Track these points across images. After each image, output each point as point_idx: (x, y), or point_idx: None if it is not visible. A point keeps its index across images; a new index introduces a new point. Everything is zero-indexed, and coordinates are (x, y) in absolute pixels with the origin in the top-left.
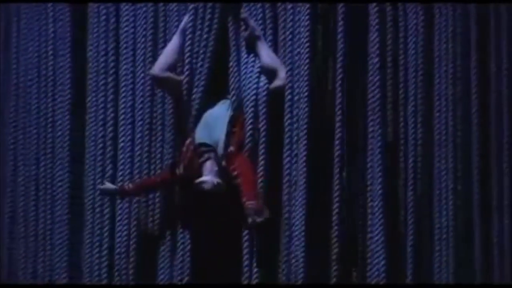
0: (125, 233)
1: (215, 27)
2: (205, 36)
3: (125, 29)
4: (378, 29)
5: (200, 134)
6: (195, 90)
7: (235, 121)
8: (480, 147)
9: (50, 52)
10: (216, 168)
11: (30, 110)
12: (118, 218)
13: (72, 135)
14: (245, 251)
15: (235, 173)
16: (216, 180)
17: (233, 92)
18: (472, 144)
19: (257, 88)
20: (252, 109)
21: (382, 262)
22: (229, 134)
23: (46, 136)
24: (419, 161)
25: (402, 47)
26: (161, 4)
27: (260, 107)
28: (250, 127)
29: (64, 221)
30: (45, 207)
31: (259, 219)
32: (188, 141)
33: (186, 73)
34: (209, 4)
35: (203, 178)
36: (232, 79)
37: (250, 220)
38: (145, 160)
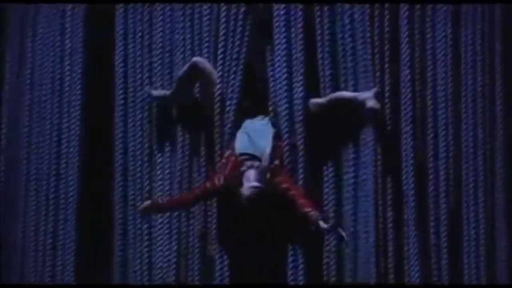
0: (166, 247)
1: (246, 39)
2: (236, 49)
3: (160, 44)
4: (408, 42)
5: (243, 145)
6: (228, 102)
7: (279, 136)
8: (504, 159)
9: (67, 68)
10: (259, 177)
11: (44, 125)
12: (159, 233)
13: (82, 151)
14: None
15: (285, 185)
16: (257, 184)
17: (271, 108)
18: (496, 156)
19: (290, 103)
20: (286, 123)
21: (417, 275)
22: (274, 148)
23: (59, 152)
24: (451, 173)
25: (430, 58)
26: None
27: (296, 121)
28: (286, 142)
29: (71, 237)
30: (55, 223)
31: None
32: (228, 153)
33: (219, 85)
34: (240, 17)
35: (250, 184)
36: (271, 94)
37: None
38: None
